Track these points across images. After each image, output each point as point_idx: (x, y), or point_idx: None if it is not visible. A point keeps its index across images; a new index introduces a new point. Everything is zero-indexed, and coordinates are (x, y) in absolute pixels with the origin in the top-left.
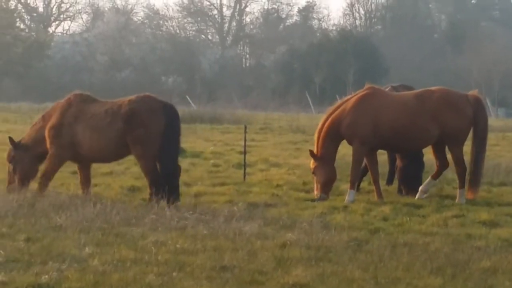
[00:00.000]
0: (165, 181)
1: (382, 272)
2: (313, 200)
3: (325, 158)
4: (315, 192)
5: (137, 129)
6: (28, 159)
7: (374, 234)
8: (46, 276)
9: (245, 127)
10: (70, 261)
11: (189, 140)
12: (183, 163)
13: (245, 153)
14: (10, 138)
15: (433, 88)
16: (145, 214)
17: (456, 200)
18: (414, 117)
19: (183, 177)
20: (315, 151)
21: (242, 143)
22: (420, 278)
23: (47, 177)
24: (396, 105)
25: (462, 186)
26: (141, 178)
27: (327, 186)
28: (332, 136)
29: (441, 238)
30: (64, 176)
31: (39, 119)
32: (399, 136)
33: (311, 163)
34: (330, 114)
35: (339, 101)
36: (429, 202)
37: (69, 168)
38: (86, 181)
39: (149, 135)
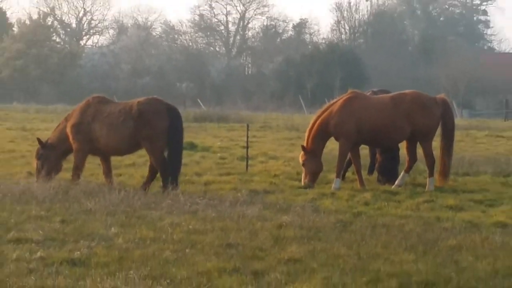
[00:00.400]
0: (171, 171)
1: (364, 249)
2: (305, 187)
3: (313, 152)
4: (303, 181)
5: (145, 127)
6: (54, 156)
7: (357, 216)
8: (78, 252)
9: (248, 126)
10: (99, 240)
11: (199, 136)
12: (195, 156)
13: (247, 147)
14: (38, 139)
15: (406, 91)
16: (162, 200)
17: (426, 188)
18: (390, 117)
19: (194, 168)
20: (305, 145)
21: (245, 139)
22: (396, 254)
23: (78, 169)
24: (375, 107)
25: (431, 175)
26: None
27: (314, 176)
28: (321, 134)
29: (414, 220)
30: (92, 167)
31: (62, 121)
32: (378, 133)
33: (301, 156)
34: (320, 115)
35: (327, 104)
36: (404, 190)
37: (97, 160)
38: (108, 171)
39: (156, 133)
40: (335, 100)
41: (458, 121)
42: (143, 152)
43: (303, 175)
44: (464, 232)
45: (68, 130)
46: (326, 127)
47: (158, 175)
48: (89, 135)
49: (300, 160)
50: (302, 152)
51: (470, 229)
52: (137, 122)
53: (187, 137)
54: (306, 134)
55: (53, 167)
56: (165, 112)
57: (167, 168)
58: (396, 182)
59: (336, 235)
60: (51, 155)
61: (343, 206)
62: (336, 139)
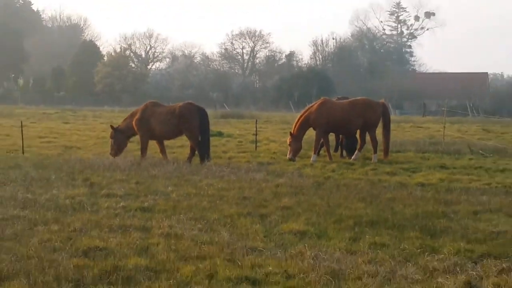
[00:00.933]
0: (203, 150)
1: (331, 200)
2: (289, 160)
3: (297, 137)
4: (288, 156)
5: (185, 123)
6: (121, 138)
7: (327, 179)
8: (147, 203)
9: (256, 121)
10: (160, 195)
11: (225, 127)
12: (222, 140)
13: (256, 134)
14: (111, 125)
15: (359, 98)
16: (201, 169)
17: (372, 161)
18: (349, 114)
19: (221, 148)
20: (292, 132)
21: (254, 129)
22: (352, 203)
23: (143, 149)
24: (339, 108)
25: (375, 152)
26: None
27: (295, 153)
28: (303, 125)
29: (364, 181)
30: (154, 147)
31: (128, 116)
32: (341, 125)
33: (288, 139)
34: (302, 114)
35: (307, 106)
36: (358, 162)
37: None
38: (163, 150)
39: (192, 126)
40: (312, 104)
41: (392, 117)
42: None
43: (288, 151)
44: (396, 189)
45: (134, 123)
46: (307, 121)
47: (197, 152)
48: (148, 127)
49: (288, 141)
50: (289, 136)
51: (400, 187)
52: (179, 119)
53: (216, 128)
54: (293, 125)
55: (120, 144)
56: (197, 111)
57: (201, 148)
58: (353, 157)
59: (314, 191)
60: (120, 137)
61: (318, 173)
62: (314, 129)
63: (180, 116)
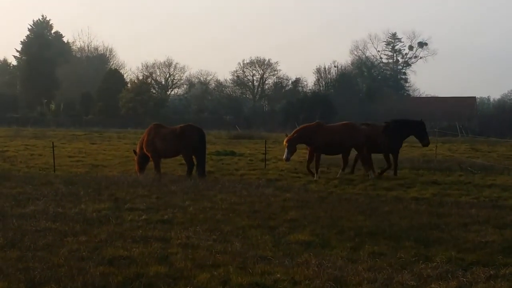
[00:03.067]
0: (199, 168)
1: (334, 213)
2: (285, 159)
3: (290, 142)
4: (285, 155)
5: (183, 141)
6: (141, 159)
7: (330, 194)
8: (166, 216)
9: (265, 141)
10: (178, 208)
11: (237, 147)
12: (234, 159)
13: (265, 153)
14: (134, 151)
15: (346, 122)
16: (215, 185)
17: (369, 177)
18: (340, 136)
19: (234, 166)
20: (287, 139)
21: (264, 149)
22: (353, 216)
23: (156, 168)
24: (331, 130)
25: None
26: (211, 167)
27: (290, 153)
28: (297, 138)
29: (364, 196)
30: (173, 165)
31: (140, 140)
32: (333, 146)
33: (285, 141)
34: (296, 131)
35: (300, 126)
36: (357, 177)
37: (177, 161)
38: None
39: (189, 145)
40: (305, 125)
41: None
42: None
43: (285, 151)
44: (393, 202)
45: (143, 145)
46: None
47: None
48: (154, 147)
49: (284, 143)
50: (286, 139)
51: (396, 201)
52: (179, 138)
53: (229, 148)
54: (291, 134)
55: (142, 165)
56: (196, 132)
57: (191, 167)
58: (338, 175)
59: (318, 204)
60: (140, 158)
61: (322, 188)
62: (308, 145)
63: (180, 135)
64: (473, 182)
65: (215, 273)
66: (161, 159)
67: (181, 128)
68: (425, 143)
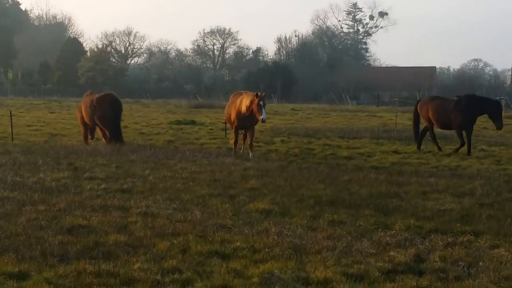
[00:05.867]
0: (114, 137)
1: (294, 182)
2: (259, 146)
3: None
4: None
5: (97, 111)
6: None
7: (290, 163)
8: (126, 185)
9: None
10: (138, 177)
11: (197, 116)
12: (195, 128)
13: (225, 123)
14: None
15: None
16: (175, 154)
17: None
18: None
19: (194, 135)
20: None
21: (224, 118)
22: (313, 185)
23: (84, 135)
24: (234, 99)
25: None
26: (172, 136)
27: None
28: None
29: (324, 165)
30: (133, 134)
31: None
32: None
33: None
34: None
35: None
36: (318, 147)
37: (137, 131)
38: (88, 136)
39: (102, 114)
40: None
41: (349, 107)
42: (164, 126)
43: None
44: (353, 171)
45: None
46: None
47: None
48: (80, 115)
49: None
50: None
51: (356, 170)
52: (94, 107)
53: (189, 117)
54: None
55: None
56: (111, 100)
57: (110, 135)
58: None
59: (278, 173)
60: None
61: (282, 157)
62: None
63: (94, 103)
64: (432, 151)
65: (174, 241)
66: (88, 127)
67: (97, 98)
68: (499, 126)
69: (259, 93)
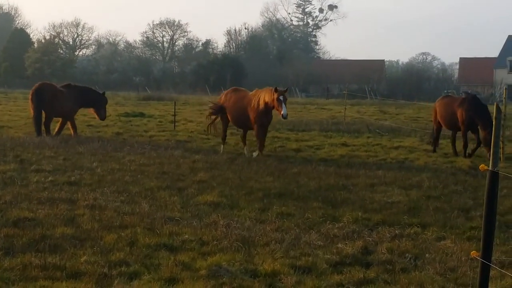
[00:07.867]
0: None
1: (243, 174)
2: (208, 138)
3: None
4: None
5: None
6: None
7: (239, 155)
8: (73, 177)
9: (175, 102)
10: (85, 170)
11: (146, 109)
12: (143, 120)
13: (175, 115)
14: None
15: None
16: (124, 146)
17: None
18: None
19: (143, 127)
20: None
21: (173, 110)
22: (262, 177)
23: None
24: (238, 96)
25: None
26: (120, 128)
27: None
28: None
29: (273, 158)
30: (81, 126)
31: None
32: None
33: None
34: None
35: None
36: (267, 140)
37: (85, 123)
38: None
39: (33, 105)
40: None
41: (299, 100)
42: (112, 118)
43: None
44: (302, 164)
45: None
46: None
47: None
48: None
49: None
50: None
51: (305, 163)
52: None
53: (138, 109)
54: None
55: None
56: (40, 88)
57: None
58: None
59: (227, 166)
60: None
61: (231, 150)
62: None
63: (33, 92)
64: (381, 144)
65: (122, 234)
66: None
67: (35, 86)
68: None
69: (278, 88)
